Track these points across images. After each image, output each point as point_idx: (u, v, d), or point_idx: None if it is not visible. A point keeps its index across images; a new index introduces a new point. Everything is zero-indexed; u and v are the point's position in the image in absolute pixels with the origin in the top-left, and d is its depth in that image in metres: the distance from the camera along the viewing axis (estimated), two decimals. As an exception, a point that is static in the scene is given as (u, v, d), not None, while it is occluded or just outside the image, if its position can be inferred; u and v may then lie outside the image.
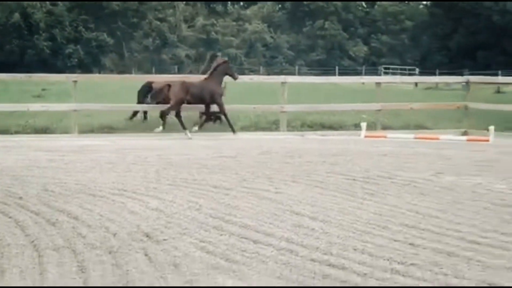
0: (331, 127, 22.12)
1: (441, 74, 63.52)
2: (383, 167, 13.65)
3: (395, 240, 7.90)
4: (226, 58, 22.99)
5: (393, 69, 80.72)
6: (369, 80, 30.98)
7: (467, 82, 23.77)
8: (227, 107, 20.99)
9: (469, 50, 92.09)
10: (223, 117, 21.24)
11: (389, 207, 9.71)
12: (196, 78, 22.13)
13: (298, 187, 11.38)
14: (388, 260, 7.09)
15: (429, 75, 55.55)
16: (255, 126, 22.33)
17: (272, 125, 22.45)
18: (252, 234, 8.14)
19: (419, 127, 22.73)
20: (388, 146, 17.66)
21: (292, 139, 20.17)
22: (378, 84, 23.77)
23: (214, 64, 21.53)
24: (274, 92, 24.94)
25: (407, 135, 20.19)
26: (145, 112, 22.50)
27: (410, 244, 7.74)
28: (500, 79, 38.50)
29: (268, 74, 69.19)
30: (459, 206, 9.86)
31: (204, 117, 21.54)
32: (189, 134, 20.14)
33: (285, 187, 11.33)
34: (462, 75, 41.41)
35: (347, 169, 13.27)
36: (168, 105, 20.50)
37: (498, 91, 44.36)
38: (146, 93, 21.91)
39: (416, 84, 50.76)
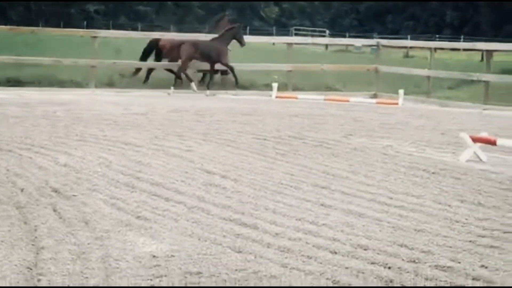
0: (242, 87, 22.05)
1: (351, 37, 63.97)
2: (294, 127, 13.68)
3: (306, 201, 7.90)
4: (238, 24, 23.05)
5: (303, 30, 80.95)
6: (280, 40, 31.00)
7: (378, 45, 23.96)
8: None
9: (378, 14, 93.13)
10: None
11: (301, 168, 9.73)
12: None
13: (209, 145, 11.32)
14: (300, 220, 7.09)
15: (339, 38, 55.79)
16: (167, 85, 22.09)
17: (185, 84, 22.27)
18: (163, 191, 8.04)
19: (329, 89, 22.86)
20: (299, 107, 17.71)
21: (202, 98, 20.04)
22: (289, 45, 23.77)
23: (225, 27, 22.26)
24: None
25: (318, 97, 20.28)
26: (149, 71, 22.41)
27: (321, 204, 7.75)
28: (409, 43, 39.05)
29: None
30: (369, 167, 9.94)
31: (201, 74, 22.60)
32: (194, 87, 21.11)
33: (196, 145, 11.24)
34: (372, 38, 41.76)
35: (258, 129, 13.25)
36: (179, 63, 21.27)
37: (407, 56, 45.01)
38: (151, 51, 22.20)
39: (326, 46, 51.07)
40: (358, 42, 36.13)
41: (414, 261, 5.91)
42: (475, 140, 10.75)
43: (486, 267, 5.77)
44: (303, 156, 10.66)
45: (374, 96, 21.61)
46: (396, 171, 9.72)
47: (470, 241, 6.49)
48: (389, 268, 5.74)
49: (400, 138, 12.84)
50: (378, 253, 6.08)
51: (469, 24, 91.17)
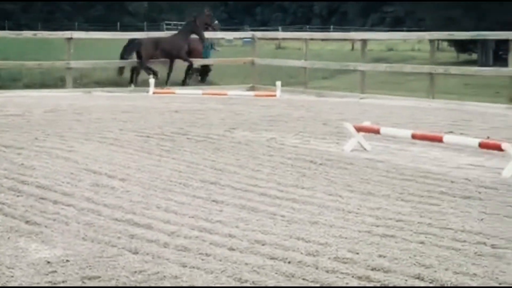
0: (118, 84, 21.73)
1: (221, 30, 64.02)
2: (176, 123, 13.56)
3: (197, 197, 7.81)
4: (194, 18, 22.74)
5: (174, 25, 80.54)
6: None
7: (253, 38, 24.02)
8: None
9: (248, 6, 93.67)
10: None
11: (187, 164, 9.62)
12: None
13: (92, 145, 11.08)
14: (193, 217, 6.99)
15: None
16: (40, 84, 21.57)
17: (58, 82, 21.77)
18: (50, 194, 7.80)
19: (206, 82, 22.80)
20: (178, 102, 17.57)
21: (79, 96, 19.62)
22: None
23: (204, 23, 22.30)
24: (58, 48, 24.19)
25: (196, 91, 20.18)
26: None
27: (213, 200, 7.68)
28: (282, 34, 39.33)
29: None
30: (256, 161, 9.92)
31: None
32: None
33: (78, 145, 10.98)
34: (243, 31, 41.87)
35: (140, 126, 13.08)
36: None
37: (279, 47, 45.42)
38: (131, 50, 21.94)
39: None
40: (233, 35, 36.08)
41: (313, 254, 5.90)
42: (359, 129, 10.88)
43: (385, 257, 5.81)
44: (189, 152, 10.55)
45: (252, 88, 21.67)
46: (284, 164, 9.73)
47: (365, 231, 6.53)
48: (289, 262, 5.71)
49: (283, 130, 12.89)
50: (276, 248, 6.05)
51: (336, 13, 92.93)
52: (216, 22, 23.17)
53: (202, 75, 23.43)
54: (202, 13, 22.76)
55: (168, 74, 21.75)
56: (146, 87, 20.13)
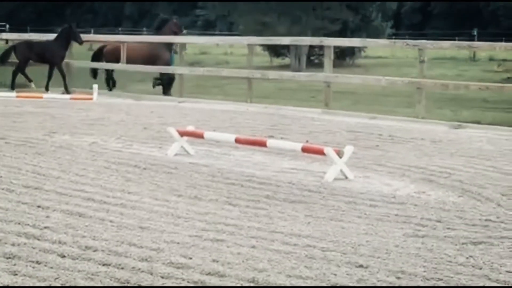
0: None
1: (32, 31, 62.43)
2: (-10, 126, 13.11)
3: (22, 203, 7.60)
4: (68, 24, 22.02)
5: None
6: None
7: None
8: None
9: (57, 7, 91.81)
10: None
11: (9, 169, 9.32)
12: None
13: None
14: (19, 224, 6.79)
15: (19, 32, 54.23)
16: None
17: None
18: None
19: (20, 85, 22.13)
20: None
21: None
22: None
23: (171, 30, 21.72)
24: None
25: (9, 94, 19.55)
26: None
27: (38, 206, 7.49)
28: (98, 37, 38.73)
29: None
30: (79, 166, 9.74)
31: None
32: (33, 85, 21.13)
33: None
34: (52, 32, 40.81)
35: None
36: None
37: (91, 49, 44.61)
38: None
39: (6, 40, 49.27)
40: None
41: (146, 260, 5.87)
42: (182, 133, 10.90)
43: (218, 261, 5.85)
44: (9, 156, 10.22)
45: (66, 91, 21.21)
46: (108, 168, 9.61)
47: (196, 236, 6.56)
48: (123, 268, 5.66)
49: (104, 134, 12.72)
50: (108, 254, 5.97)
51: (147, 16, 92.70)
52: (185, 31, 22.56)
53: (165, 86, 21.75)
54: (171, 21, 22.17)
55: (47, 79, 21.19)
56: None
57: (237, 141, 10.50)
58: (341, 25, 35.22)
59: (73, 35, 21.22)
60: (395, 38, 45.14)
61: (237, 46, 42.92)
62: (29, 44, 21.44)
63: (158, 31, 22.16)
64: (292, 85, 23.86)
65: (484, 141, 12.79)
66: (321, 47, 19.74)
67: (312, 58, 35.62)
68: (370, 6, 37.95)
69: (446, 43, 18.59)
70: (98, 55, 22.43)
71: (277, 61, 38.55)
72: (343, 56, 35.14)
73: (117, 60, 21.52)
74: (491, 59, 41.02)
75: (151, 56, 21.37)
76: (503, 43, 17.64)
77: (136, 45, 21.95)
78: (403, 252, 6.15)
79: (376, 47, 36.50)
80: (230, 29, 56.27)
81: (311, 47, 33.73)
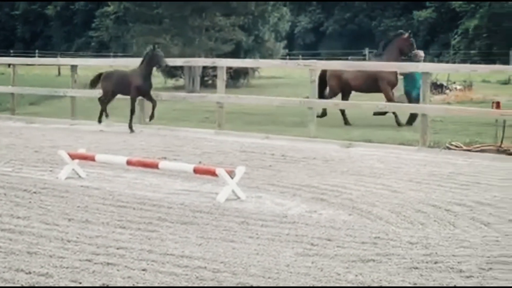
0: None
1: None
2: None
3: None
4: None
5: None
6: None
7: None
8: None
9: None
10: None
11: None
12: None
13: None
14: None
15: None
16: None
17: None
18: None
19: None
20: None
21: None
22: None
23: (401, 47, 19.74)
24: None
25: None
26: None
27: None
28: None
29: None
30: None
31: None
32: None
33: None
34: None
35: None
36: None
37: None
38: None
39: None
40: None
41: (34, 286, 5.76)
42: (73, 156, 10.76)
43: (107, 286, 5.80)
44: None
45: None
46: (-4, 193, 9.41)
47: (86, 260, 6.47)
48: (9, 295, 5.55)
49: (-8, 158, 12.45)
50: (-5, 281, 5.85)
51: (40, 38, 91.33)
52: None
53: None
54: (399, 37, 20.22)
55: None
56: None
57: (129, 163, 10.41)
58: (234, 45, 35.41)
59: (156, 59, 17.68)
60: (288, 58, 45.63)
61: (131, 68, 42.67)
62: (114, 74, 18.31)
63: (384, 51, 20.03)
64: (186, 106, 23.83)
65: (375, 159, 13.02)
66: (214, 68, 19.73)
67: (206, 79, 35.68)
68: (263, 27, 38.27)
69: (336, 63, 18.91)
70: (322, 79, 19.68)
71: (172, 82, 38.43)
72: (237, 76, 35.33)
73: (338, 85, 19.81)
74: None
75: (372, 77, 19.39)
76: (394, 63, 18.03)
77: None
78: (294, 272, 6.20)
79: (269, 67, 36.81)
80: (125, 51, 55.95)
81: (205, 68, 33.81)
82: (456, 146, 14.52)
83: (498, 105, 15.13)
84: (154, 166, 10.29)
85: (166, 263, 6.40)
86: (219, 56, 30.81)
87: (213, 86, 26.09)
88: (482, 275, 6.19)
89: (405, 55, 19.48)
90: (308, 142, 15.41)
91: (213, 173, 9.40)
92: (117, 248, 6.89)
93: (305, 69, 18.33)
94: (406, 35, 19.90)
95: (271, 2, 37.81)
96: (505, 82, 34.41)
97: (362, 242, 7.24)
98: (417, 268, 6.35)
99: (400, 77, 19.83)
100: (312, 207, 9.01)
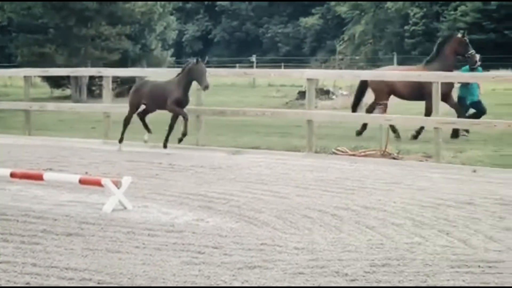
0: None
1: None
2: None
3: None
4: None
5: None
6: None
7: None
8: None
9: None
10: None
11: None
12: None
13: None
14: None
15: None
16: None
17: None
18: None
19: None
20: None
21: None
22: None
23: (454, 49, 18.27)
24: None
25: None
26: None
27: None
28: None
29: None
30: None
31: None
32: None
33: None
34: None
35: None
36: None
37: None
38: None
39: None
40: None
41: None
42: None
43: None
44: None
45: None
46: None
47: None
48: None
49: None
50: None
51: None
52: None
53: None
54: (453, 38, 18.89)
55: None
56: None
57: (13, 175, 10.19)
58: (120, 55, 35.17)
59: (195, 75, 14.80)
60: (177, 67, 45.55)
61: (15, 78, 41.91)
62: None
63: (438, 55, 18.53)
64: (72, 116, 23.53)
65: (262, 166, 13.11)
66: (101, 78, 19.57)
67: (93, 88, 35.34)
68: (150, 36, 38.14)
69: (224, 71, 18.97)
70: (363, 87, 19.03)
71: (58, 92, 37.94)
72: (125, 85, 35.16)
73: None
74: (270, 84, 42.19)
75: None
76: (278, 70, 18.22)
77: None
78: (180, 281, 6.19)
79: (155, 76, 36.65)
80: (10, 61, 54.84)
81: (92, 77, 33.46)
82: (342, 151, 14.78)
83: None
84: (39, 177, 10.11)
85: (51, 276, 6.31)
86: (106, 65, 30.53)
87: (101, 95, 25.85)
88: (366, 278, 6.32)
89: (461, 56, 18.46)
90: (196, 150, 15.40)
91: (99, 184, 9.30)
92: (0, 263, 6.74)
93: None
94: (460, 35, 18.73)
95: (157, 11, 37.73)
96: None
97: (248, 249, 7.28)
98: (302, 273, 6.43)
99: (457, 85, 18.47)
100: (199, 215, 9.00)
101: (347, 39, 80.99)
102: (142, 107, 15.61)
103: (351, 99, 20.81)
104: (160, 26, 38.86)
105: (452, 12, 72.07)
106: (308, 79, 15.35)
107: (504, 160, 13.87)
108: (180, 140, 15.06)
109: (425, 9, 75.12)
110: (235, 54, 75.37)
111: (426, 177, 11.80)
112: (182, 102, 14.99)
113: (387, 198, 9.91)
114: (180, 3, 70.56)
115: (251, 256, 7.01)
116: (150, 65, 35.81)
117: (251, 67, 46.60)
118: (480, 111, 18.26)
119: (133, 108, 15.61)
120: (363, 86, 18.80)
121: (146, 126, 15.54)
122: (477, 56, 18.43)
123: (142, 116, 15.69)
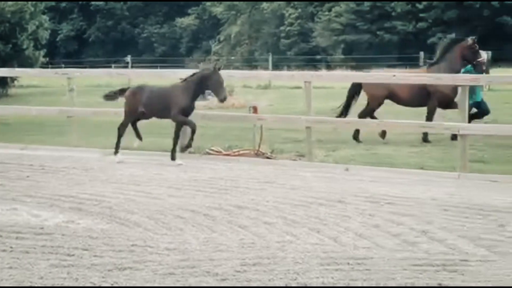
0: None
1: None
2: None
3: None
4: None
5: None
6: None
7: None
8: None
9: None
10: None
11: None
12: None
13: None
14: None
15: None
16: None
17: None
18: None
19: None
20: None
21: None
22: None
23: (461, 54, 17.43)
24: None
25: None
26: None
27: None
28: None
29: None
30: None
31: None
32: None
33: None
34: None
35: None
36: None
37: None
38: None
39: None
40: None
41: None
42: None
43: None
44: None
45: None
46: None
47: None
48: None
49: None
50: None
51: None
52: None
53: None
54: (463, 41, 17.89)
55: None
56: None
57: None
58: (-9, 55, 34.33)
59: (211, 84, 13.52)
60: (50, 67, 44.68)
61: None
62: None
63: (443, 56, 17.90)
64: None
65: (136, 166, 13.00)
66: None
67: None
68: (21, 35, 37.22)
69: (99, 71, 18.67)
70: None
71: None
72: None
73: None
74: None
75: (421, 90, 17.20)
76: (153, 70, 18.08)
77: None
78: (48, 283, 6.09)
79: (26, 76, 35.96)
80: None
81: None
82: (216, 151, 14.80)
83: (255, 109, 15.53)
84: None
85: None
86: (-26, 65, 29.62)
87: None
88: (236, 278, 6.34)
89: (469, 62, 17.63)
90: (69, 151, 15.11)
91: (-35, 187, 9.02)
92: None
93: (63, 78, 17.94)
94: (470, 41, 17.71)
95: (28, 10, 36.91)
96: (266, 87, 35.46)
97: (119, 250, 7.20)
98: (173, 273, 6.41)
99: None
100: (70, 217, 8.86)
101: (223, 39, 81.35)
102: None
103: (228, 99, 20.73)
104: (32, 25, 37.99)
105: (326, 13, 73.34)
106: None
107: (375, 159, 14.19)
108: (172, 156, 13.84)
109: (299, 10, 76.17)
110: (110, 54, 74.48)
111: (299, 176, 11.95)
112: (188, 111, 13.76)
113: (260, 197, 9.99)
114: (53, 2, 69.32)
115: (122, 258, 6.93)
116: (21, 65, 34.96)
117: (127, 67, 46.02)
118: (483, 111, 17.96)
119: (130, 115, 14.15)
120: (355, 89, 17.95)
121: (137, 133, 14.34)
122: (484, 65, 18.39)
123: (133, 122, 14.34)
